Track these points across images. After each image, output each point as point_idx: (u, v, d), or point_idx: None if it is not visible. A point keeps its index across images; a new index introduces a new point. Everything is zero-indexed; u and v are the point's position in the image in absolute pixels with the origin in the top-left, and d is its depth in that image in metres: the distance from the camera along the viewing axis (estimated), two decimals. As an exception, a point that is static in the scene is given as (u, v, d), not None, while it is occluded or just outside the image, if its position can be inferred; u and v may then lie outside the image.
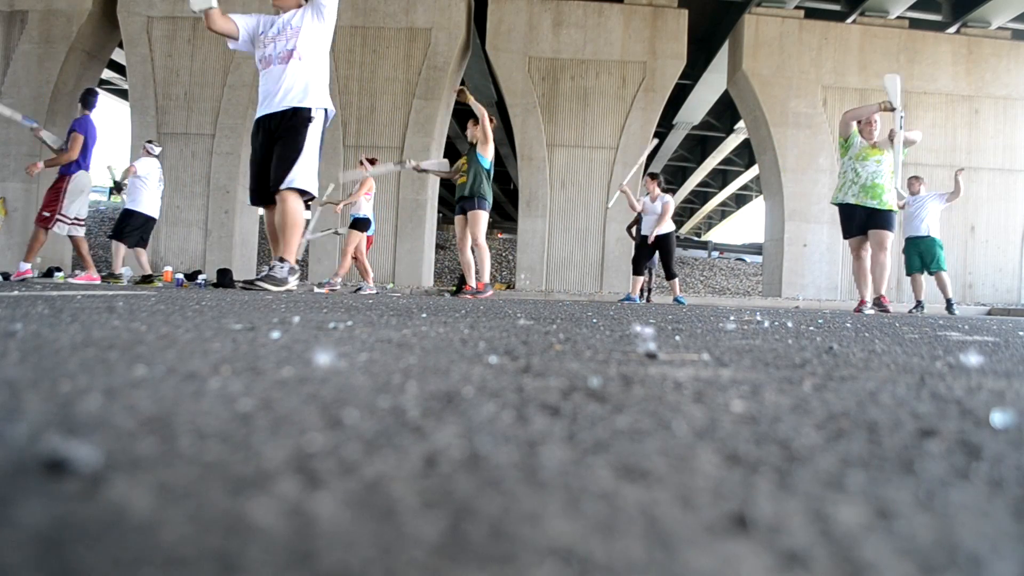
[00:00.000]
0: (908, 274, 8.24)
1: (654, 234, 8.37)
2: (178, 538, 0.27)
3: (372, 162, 8.39)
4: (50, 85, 11.34)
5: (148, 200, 8.02)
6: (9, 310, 1.52)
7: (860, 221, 6.14)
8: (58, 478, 0.34)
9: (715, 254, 22.95)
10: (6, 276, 8.26)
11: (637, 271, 8.69)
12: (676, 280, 8.76)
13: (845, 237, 6.31)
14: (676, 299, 8.73)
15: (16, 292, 2.72)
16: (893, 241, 6.18)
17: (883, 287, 6.17)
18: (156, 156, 8.23)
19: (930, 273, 8.10)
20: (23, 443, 0.41)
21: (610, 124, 11.83)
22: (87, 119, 7.05)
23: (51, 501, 0.31)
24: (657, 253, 8.55)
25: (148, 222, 8.08)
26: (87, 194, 7.13)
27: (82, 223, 7.14)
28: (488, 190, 6.77)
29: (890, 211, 6.06)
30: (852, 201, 6.11)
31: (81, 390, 0.59)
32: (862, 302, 6.25)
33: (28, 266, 7.20)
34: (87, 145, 6.99)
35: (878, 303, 6.18)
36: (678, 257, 21.32)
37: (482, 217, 6.79)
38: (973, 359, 1.14)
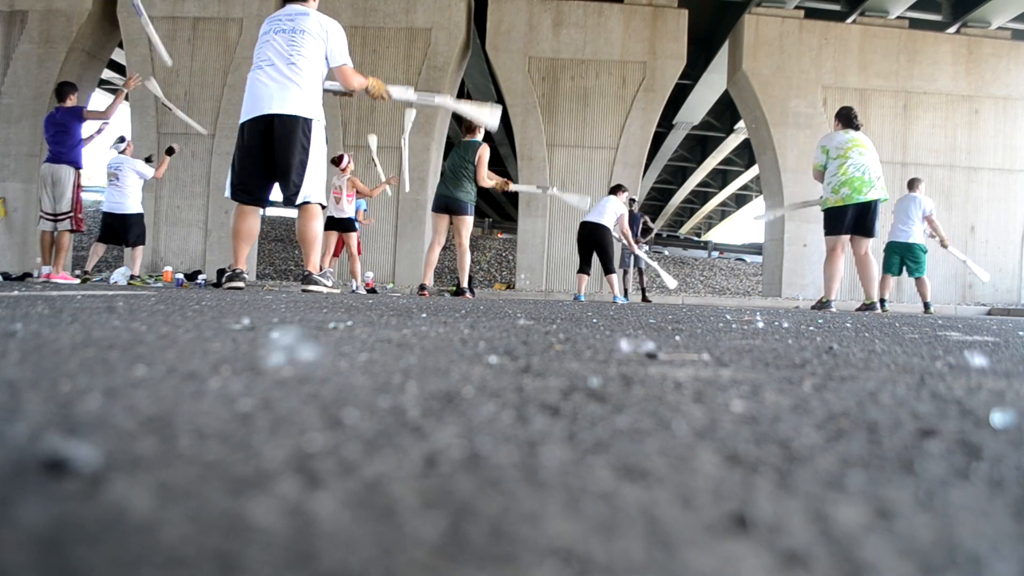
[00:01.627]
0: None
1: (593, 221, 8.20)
2: (178, 538, 0.27)
3: (337, 161, 8.44)
4: (50, 85, 11.32)
5: (108, 197, 8.10)
6: (9, 310, 1.52)
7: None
8: (58, 478, 0.34)
9: (715, 254, 22.95)
10: (7, 276, 8.28)
11: (610, 269, 8.42)
12: (614, 277, 8.48)
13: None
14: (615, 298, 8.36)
15: (16, 292, 2.72)
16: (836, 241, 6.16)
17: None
18: (121, 152, 8.21)
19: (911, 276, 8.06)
20: (23, 443, 0.41)
21: (610, 124, 11.83)
22: (54, 112, 6.99)
23: (51, 501, 0.31)
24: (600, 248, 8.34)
25: (107, 217, 8.09)
26: (55, 186, 6.90)
27: (61, 217, 6.94)
28: None
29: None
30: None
31: (81, 390, 0.59)
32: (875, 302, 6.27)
33: (48, 269, 7.19)
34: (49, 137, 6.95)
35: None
36: (678, 257, 21.39)
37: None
38: (971, 357, 1.14)
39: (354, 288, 8.43)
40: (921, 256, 7.86)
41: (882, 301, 7.44)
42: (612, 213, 8.32)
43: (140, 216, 8.25)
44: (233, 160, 4.45)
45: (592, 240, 8.26)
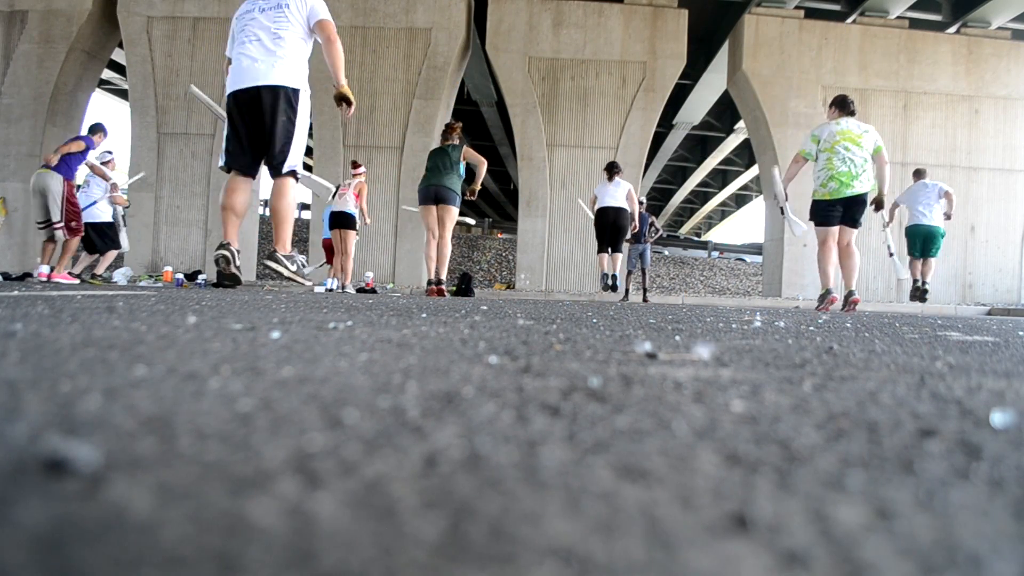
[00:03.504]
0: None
1: (613, 205, 8.33)
2: (178, 538, 0.27)
3: (356, 165, 8.50)
4: (50, 85, 11.35)
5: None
6: (9, 310, 1.52)
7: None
8: (58, 478, 0.34)
9: (715, 254, 22.96)
10: (7, 276, 8.29)
11: (604, 248, 8.59)
12: (620, 256, 8.63)
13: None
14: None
15: (16, 292, 2.72)
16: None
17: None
18: (104, 163, 8.26)
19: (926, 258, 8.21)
20: (23, 443, 0.41)
21: (610, 124, 11.83)
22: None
23: (51, 501, 0.31)
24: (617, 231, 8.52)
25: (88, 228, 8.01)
26: (44, 196, 7.06)
27: (52, 225, 7.05)
28: None
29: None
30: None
31: (81, 390, 0.59)
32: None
33: (44, 268, 7.25)
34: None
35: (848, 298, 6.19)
36: (678, 257, 21.38)
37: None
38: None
39: (342, 287, 8.37)
40: (940, 240, 8.18)
41: (917, 281, 7.72)
42: (623, 193, 8.50)
43: (110, 225, 8.24)
44: (227, 131, 4.45)
45: (616, 224, 8.48)
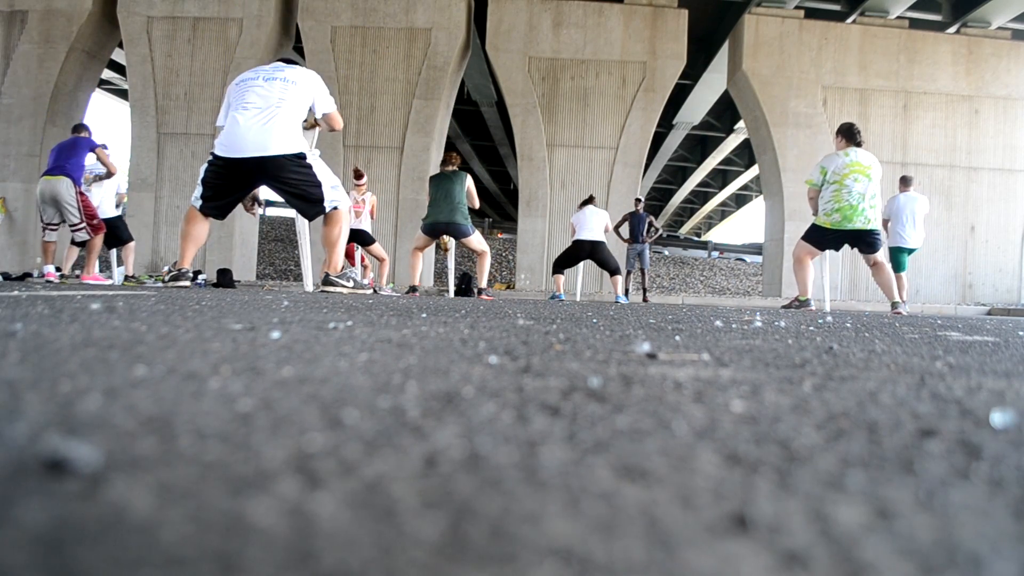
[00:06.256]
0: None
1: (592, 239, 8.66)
2: (178, 538, 0.27)
3: (359, 175, 8.51)
4: (50, 85, 11.35)
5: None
6: (9, 310, 1.52)
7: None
8: (58, 478, 0.34)
9: (715, 254, 22.97)
10: (7, 276, 8.27)
11: (616, 271, 8.85)
12: (619, 277, 8.88)
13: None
14: (617, 297, 8.81)
15: (16, 292, 2.72)
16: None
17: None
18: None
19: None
20: (23, 443, 0.41)
21: (610, 124, 11.83)
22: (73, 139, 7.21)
23: (51, 501, 0.31)
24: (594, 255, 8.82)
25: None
26: (57, 204, 6.95)
27: (75, 228, 7.02)
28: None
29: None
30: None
31: (81, 390, 0.59)
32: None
33: (49, 268, 7.22)
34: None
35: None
36: (678, 257, 21.38)
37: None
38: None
39: (375, 289, 8.44)
40: (908, 256, 8.25)
41: (898, 303, 7.73)
42: (600, 225, 8.80)
43: (119, 219, 8.17)
44: (207, 178, 4.56)
45: (594, 256, 8.77)
